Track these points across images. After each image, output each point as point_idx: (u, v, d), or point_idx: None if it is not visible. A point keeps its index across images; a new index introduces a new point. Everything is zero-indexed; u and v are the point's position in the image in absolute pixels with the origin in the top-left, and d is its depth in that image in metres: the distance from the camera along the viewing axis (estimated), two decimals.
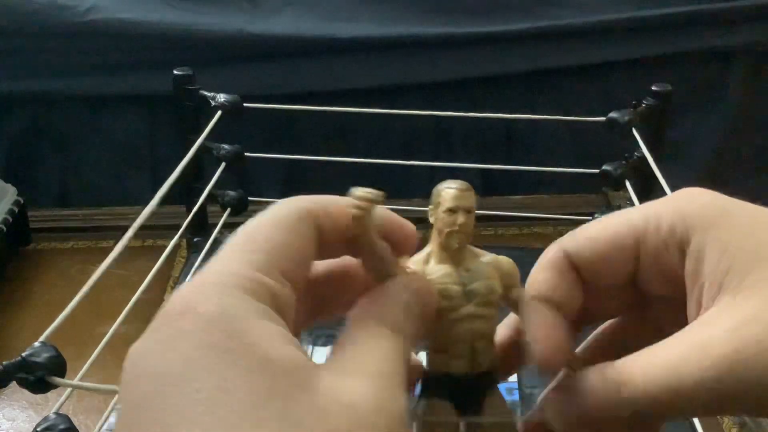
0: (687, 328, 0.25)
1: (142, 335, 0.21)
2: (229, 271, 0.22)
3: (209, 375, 0.19)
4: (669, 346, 0.24)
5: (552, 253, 0.28)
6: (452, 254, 0.28)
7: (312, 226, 0.24)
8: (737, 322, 0.23)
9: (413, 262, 0.28)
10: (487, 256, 0.29)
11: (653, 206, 0.27)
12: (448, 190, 0.28)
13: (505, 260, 0.29)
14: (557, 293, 0.27)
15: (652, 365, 0.24)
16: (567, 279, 0.28)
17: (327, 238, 0.25)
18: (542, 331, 0.27)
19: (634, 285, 0.28)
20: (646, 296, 0.28)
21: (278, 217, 0.24)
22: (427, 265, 0.28)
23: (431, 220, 0.29)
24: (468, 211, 0.28)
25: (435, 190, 0.29)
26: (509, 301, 0.29)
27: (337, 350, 0.23)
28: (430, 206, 0.29)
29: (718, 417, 0.69)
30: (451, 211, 0.28)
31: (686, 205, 0.26)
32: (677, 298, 0.26)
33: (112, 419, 0.59)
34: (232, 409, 0.18)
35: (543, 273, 0.28)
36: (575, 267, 0.28)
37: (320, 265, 0.27)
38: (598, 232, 0.28)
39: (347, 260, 0.27)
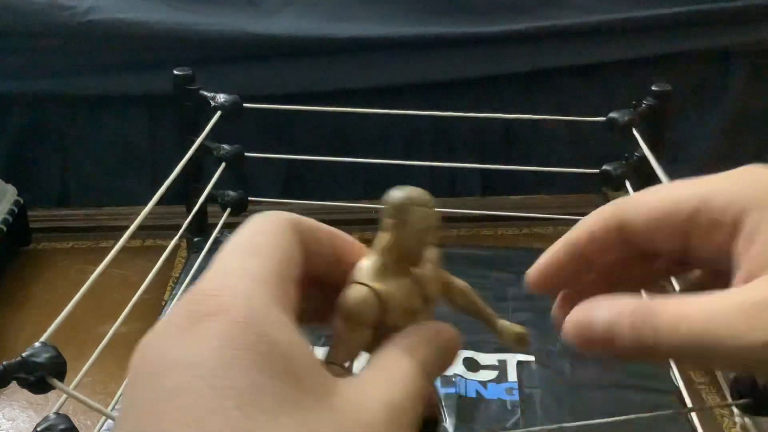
0: (726, 291, 0.25)
1: (155, 329, 0.21)
2: (250, 275, 0.22)
3: (242, 375, 0.19)
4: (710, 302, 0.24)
5: (608, 215, 0.29)
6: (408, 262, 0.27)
7: (299, 238, 0.24)
8: None
9: (366, 277, 0.26)
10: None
11: (709, 182, 0.28)
12: (418, 210, 0.26)
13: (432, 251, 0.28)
14: (589, 246, 0.29)
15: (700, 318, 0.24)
16: (609, 239, 0.29)
17: (311, 258, 0.25)
18: (543, 257, 0.29)
19: (682, 254, 0.28)
20: (693, 265, 0.29)
21: (269, 224, 0.24)
22: (383, 280, 0.26)
23: (390, 232, 0.26)
24: (435, 228, 0.26)
25: (400, 205, 0.25)
26: (451, 295, 0.29)
27: (366, 371, 0.23)
28: (389, 218, 0.25)
29: (718, 417, 0.69)
30: (423, 233, 0.26)
31: (743, 184, 0.27)
32: (724, 272, 0.26)
33: (111, 420, 0.59)
34: (261, 409, 0.19)
35: (589, 226, 0.29)
36: (623, 231, 0.28)
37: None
38: (655, 203, 0.28)
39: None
